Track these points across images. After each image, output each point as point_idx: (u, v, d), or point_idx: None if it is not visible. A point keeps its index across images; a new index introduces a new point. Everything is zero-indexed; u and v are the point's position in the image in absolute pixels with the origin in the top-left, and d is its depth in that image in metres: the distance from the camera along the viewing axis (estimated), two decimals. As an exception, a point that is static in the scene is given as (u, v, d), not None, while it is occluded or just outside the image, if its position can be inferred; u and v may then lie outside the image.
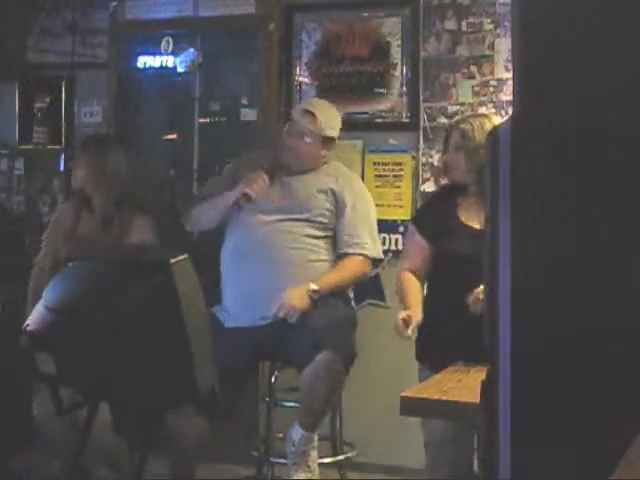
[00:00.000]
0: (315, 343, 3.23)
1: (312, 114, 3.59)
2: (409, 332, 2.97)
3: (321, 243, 3.51)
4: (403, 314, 3.03)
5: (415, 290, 3.21)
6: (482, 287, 3.00)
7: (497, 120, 3.30)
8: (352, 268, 3.55)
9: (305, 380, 3.25)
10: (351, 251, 3.53)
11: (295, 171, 3.60)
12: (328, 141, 3.62)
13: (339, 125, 3.70)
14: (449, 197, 3.27)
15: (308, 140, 3.56)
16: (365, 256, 3.55)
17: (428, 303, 3.25)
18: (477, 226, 3.14)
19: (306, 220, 3.50)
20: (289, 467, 3.33)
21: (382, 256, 3.73)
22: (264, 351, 3.46)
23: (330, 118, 3.66)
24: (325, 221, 3.53)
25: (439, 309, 3.16)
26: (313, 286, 3.38)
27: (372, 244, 3.58)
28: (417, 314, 3.04)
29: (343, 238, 3.54)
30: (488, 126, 3.11)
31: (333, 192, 3.56)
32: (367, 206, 3.64)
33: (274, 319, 3.37)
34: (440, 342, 3.12)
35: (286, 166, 3.61)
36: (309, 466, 3.30)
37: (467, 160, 3.14)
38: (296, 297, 3.36)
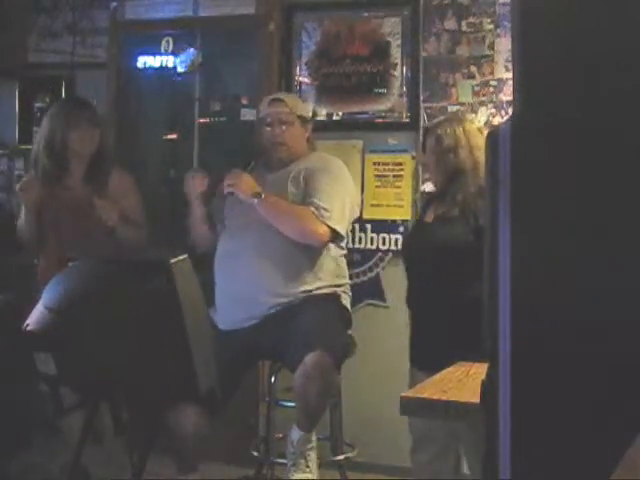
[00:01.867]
0: (303, 344, 3.23)
1: (278, 99, 3.64)
2: None
3: (293, 241, 3.46)
4: None
5: None
6: None
7: (472, 124, 3.42)
8: (301, 211, 3.39)
9: (297, 382, 3.24)
10: (307, 202, 3.42)
11: (282, 162, 3.56)
12: (304, 122, 3.62)
13: (307, 107, 3.76)
14: (425, 206, 3.47)
15: (288, 123, 3.55)
16: (316, 214, 3.37)
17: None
18: (428, 220, 3.30)
19: (257, 207, 3.41)
20: (288, 468, 3.33)
21: (342, 230, 3.46)
22: (255, 351, 3.45)
23: (296, 100, 3.74)
24: None
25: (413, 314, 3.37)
26: (260, 193, 3.36)
27: (331, 212, 3.39)
28: None
29: (304, 199, 3.44)
30: (460, 131, 3.24)
31: (304, 175, 3.48)
32: (332, 180, 3.49)
33: (261, 319, 3.38)
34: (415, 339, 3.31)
35: (272, 161, 3.59)
36: (308, 466, 3.29)
37: (436, 163, 3.27)
38: (247, 181, 3.39)
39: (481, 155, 3.07)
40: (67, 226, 3.74)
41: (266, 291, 3.39)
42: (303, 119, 3.62)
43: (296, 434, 3.28)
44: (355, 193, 3.72)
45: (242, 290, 3.42)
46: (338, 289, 3.53)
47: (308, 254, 3.43)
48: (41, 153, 3.82)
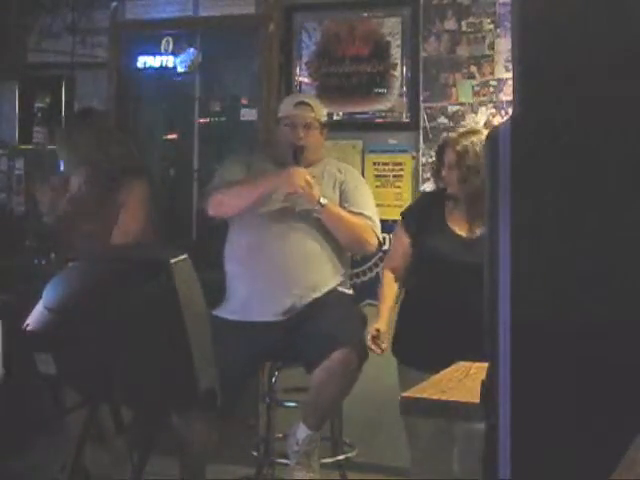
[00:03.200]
0: (332, 340, 3.21)
1: (306, 103, 3.63)
2: (383, 347, 3.33)
3: (321, 239, 3.47)
4: (372, 330, 3.34)
5: (390, 295, 3.47)
6: (378, 325, 3.36)
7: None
8: (359, 222, 3.49)
9: (318, 377, 3.20)
10: (356, 212, 3.52)
11: (302, 165, 3.57)
12: (323, 128, 3.66)
13: (325, 112, 3.76)
14: (439, 201, 3.43)
15: (312, 128, 3.57)
16: (370, 225, 3.51)
17: (408, 302, 3.44)
18: (463, 234, 3.33)
19: (317, 212, 3.46)
20: (292, 467, 3.30)
21: (381, 238, 3.61)
22: (274, 347, 3.39)
23: (319, 104, 3.73)
24: None
25: (418, 310, 3.36)
26: (323, 199, 3.40)
27: (377, 223, 3.55)
28: (384, 324, 3.37)
29: (349, 209, 3.53)
30: (481, 148, 3.24)
31: (340, 182, 3.57)
32: (369, 193, 3.65)
33: (288, 316, 3.36)
34: (419, 341, 3.31)
35: (286, 162, 3.58)
36: (312, 466, 3.28)
37: (461, 179, 3.29)
38: (313, 186, 3.39)
39: None
40: (72, 226, 3.79)
41: (294, 286, 3.38)
42: (323, 125, 3.65)
43: (302, 432, 3.25)
44: None
45: (269, 284, 3.39)
46: (347, 287, 3.57)
47: (330, 251, 3.46)
48: None
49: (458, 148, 3.28)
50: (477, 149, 3.23)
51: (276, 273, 3.40)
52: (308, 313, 3.35)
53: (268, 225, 3.45)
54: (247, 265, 3.48)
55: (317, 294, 3.40)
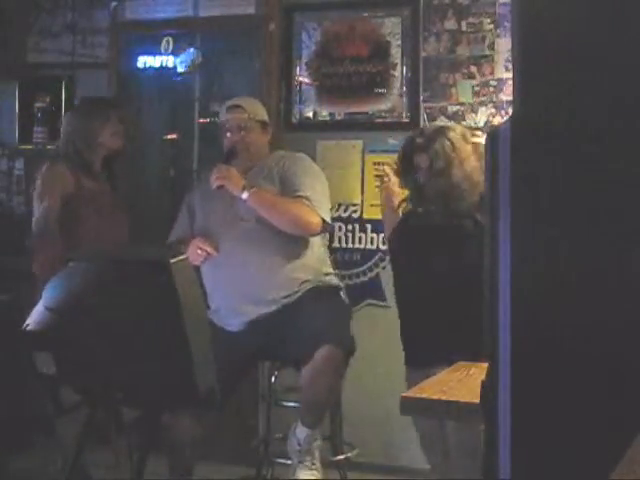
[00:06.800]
0: (312, 339, 3.22)
1: (237, 106, 3.68)
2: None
3: (282, 235, 3.45)
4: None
5: None
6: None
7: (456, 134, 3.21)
8: (294, 204, 3.43)
9: (306, 376, 3.24)
10: (292, 195, 3.46)
11: (245, 166, 3.58)
12: (264, 126, 3.68)
13: (265, 111, 3.78)
14: None
15: (247, 129, 3.60)
16: (307, 205, 3.43)
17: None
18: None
19: (258, 216, 3.45)
20: (294, 466, 3.32)
21: (329, 219, 3.54)
22: (257, 351, 3.45)
23: (254, 104, 3.77)
24: None
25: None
26: (246, 190, 3.39)
27: (318, 202, 3.46)
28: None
29: (287, 194, 3.48)
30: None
31: (279, 172, 3.55)
32: (313, 176, 3.57)
33: (264, 317, 3.39)
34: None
35: (235, 165, 3.59)
36: (314, 464, 3.30)
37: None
38: (236, 174, 3.43)
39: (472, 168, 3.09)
40: (91, 219, 3.77)
41: (265, 287, 3.39)
42: (263, 124, 3.68)
43: (302, 432, 3.27)
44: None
45: (235, 296, 3.42)
46: (328, 277, 3.55)
47: (297, 245, 3.46)
48: (72, 146, 3.88)
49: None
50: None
51: (232, 287, 3.44)
52: (284, 314, 3.37)
53: (225, 232, 3.50)
54: (212, 280, 3.52)
55: (286, 292, 3.40)
